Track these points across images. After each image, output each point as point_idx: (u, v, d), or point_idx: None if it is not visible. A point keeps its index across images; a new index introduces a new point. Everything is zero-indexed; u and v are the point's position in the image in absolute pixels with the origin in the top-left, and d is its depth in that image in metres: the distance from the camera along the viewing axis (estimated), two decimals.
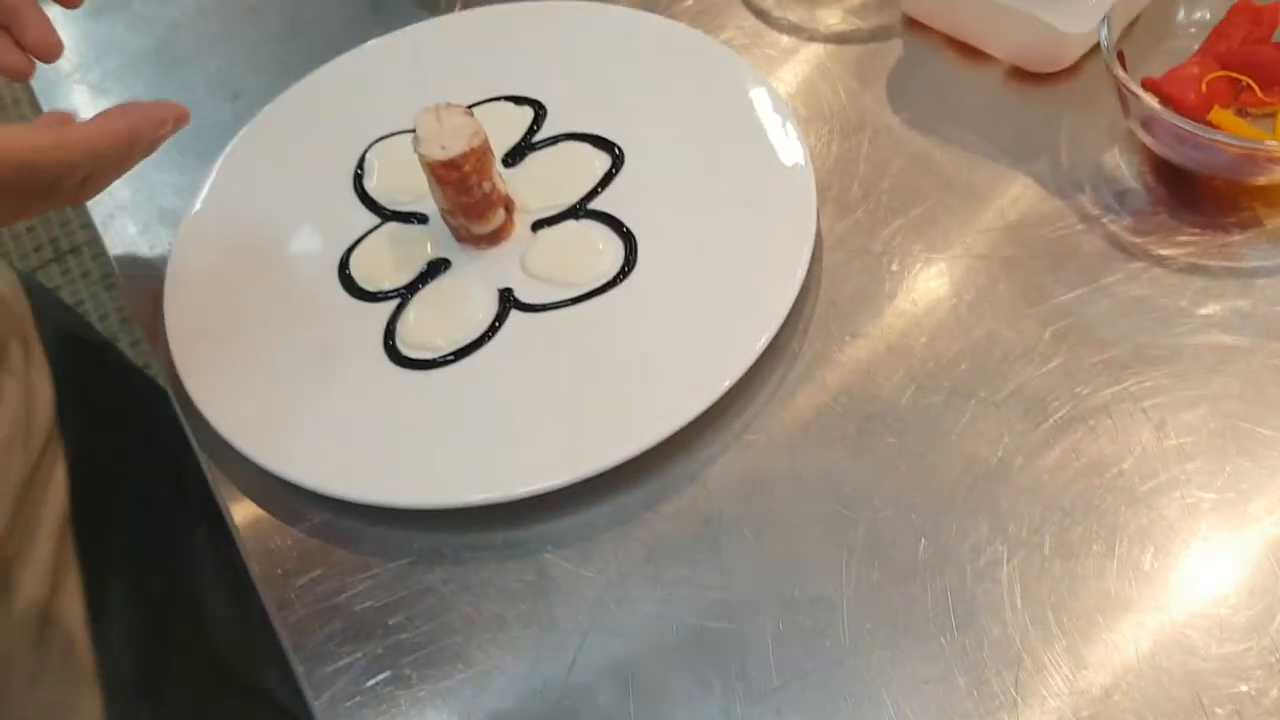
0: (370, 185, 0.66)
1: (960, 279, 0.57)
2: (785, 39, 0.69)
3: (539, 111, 0.67)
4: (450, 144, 0.57)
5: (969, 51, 0.65)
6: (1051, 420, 0.52)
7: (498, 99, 0.67)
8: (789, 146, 0.61)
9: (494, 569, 0.53)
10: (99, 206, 0.70)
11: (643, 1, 0.72)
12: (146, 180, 0.71)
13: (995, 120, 0.63)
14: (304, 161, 0.68)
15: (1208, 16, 0.62)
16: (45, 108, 0.78)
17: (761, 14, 0.70)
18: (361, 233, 0.64)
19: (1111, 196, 0.59)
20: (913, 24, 0.67)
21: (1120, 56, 0.56)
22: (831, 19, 0.69)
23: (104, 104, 0.76)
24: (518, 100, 0.67)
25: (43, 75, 0.76)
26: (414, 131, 0.63)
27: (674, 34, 0.68)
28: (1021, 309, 0.56)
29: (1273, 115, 0.59)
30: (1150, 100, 0.54)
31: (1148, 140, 0.58)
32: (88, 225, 1.96)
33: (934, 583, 0.49)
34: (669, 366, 0.55)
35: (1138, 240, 0.57)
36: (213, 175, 0.67)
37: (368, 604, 0.52)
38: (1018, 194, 0.60)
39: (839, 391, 0.55)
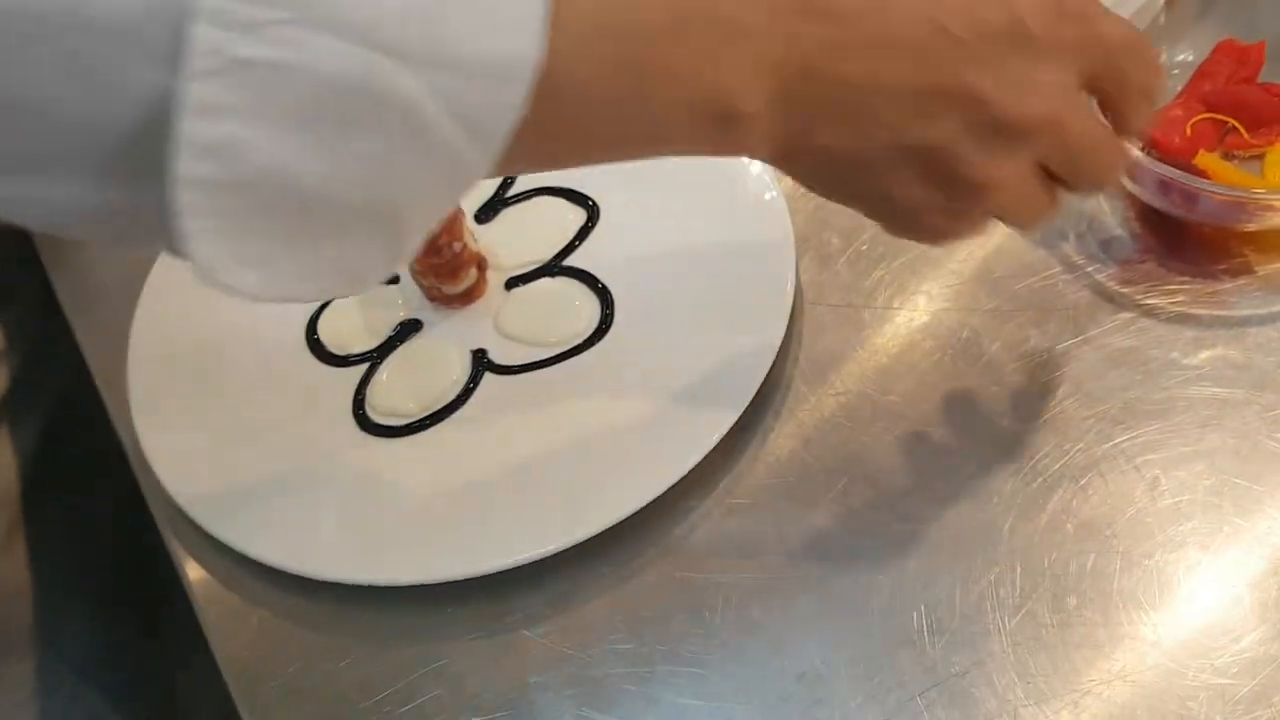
0: None
1: (944, 332, 0.56)
2: None
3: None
4: None
5: None
6: (1041, 479, 0.50)
7: None
8: (765, 200, 0.59)
9: (469, 647, 0.51)
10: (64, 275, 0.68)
11: None
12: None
13: None
14: None
15: (1190, 58, 0.61)
16: None
17: None
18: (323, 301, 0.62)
19: (1096, 245, 0.57)
20: None
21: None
22: None
23: None
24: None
25: None
26: None
27: None
28: (1006, 362, 0.54)
29: (1260, 157, 0.58)
30: (1133, 146, 0.53)
31: (1132, 187, 0.56)
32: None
33: (925, 655, 0.47)
34: (648, 430, 0.54)
35: (1125, 290, 0.56)
36: None
37: (339, 687, 0.50)
38: (1000, 244, 0.58)
39: (823, 451, 0.53)
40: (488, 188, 0.64)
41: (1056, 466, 0.51)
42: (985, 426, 0.53)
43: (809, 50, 0.37)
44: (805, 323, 0.57)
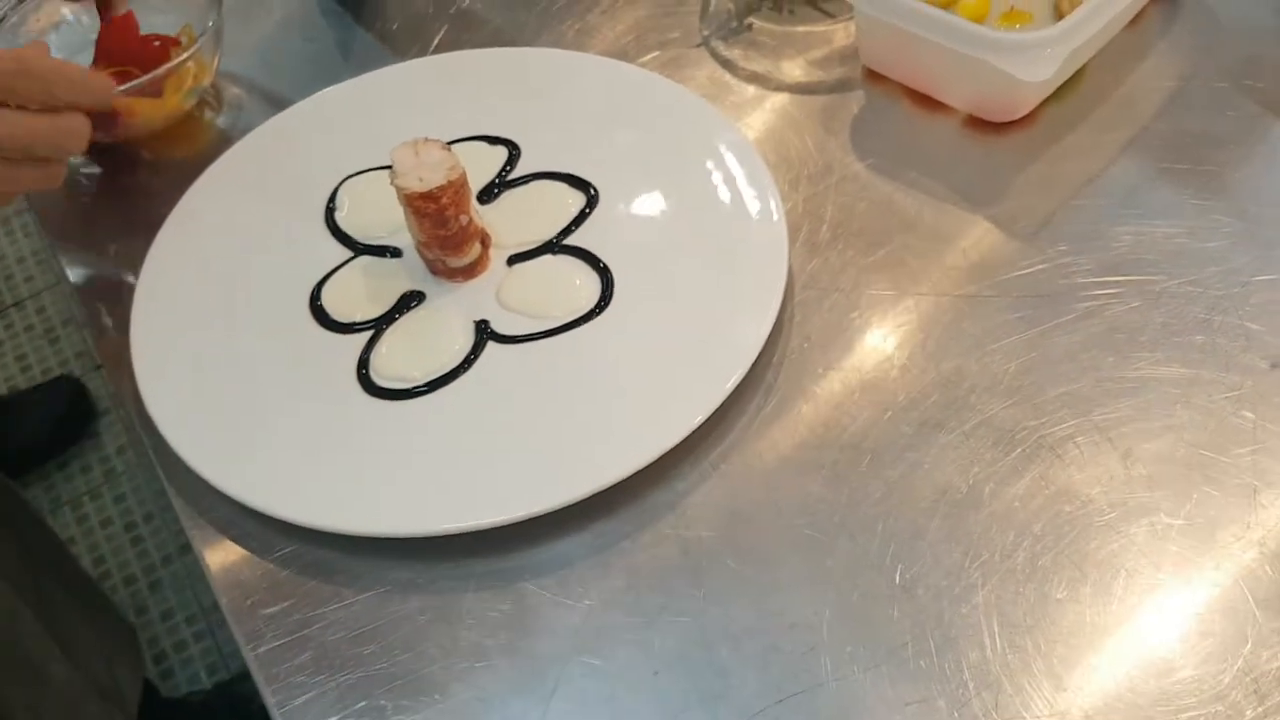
0: (342, 219, 0.66)
1: (927, 316, 0.59)
2: (751, 89, 0.71)
3: (513, 151, 0.68)
4: (428, 176, 0.58)
5: (928, 102, 0.67)
6: (1020, 449, 0.53)
7: (472, 138, 0.68)
8: (760, 188, 0.62)
9: (471, 599, 0.52)
10: (68, 239, 0.69)
11: (612, 52, 0.74)
12: (112, 211, 0.70)
13: (955, 167, 0.65)
14: (273, 196, 0.68)
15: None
16: None
17: (727, 64, 0.72)
18: (333, 266, 0.64)
19: (1070, 238, 0.61)
20: (873, 75, 0.69)
21: None
22: (795, 71, 0.71)
23: None
24: (492, 140, 0.68)
25: None
26: (390, 166, 0.64)
27: (644, 81, 0.70)
28: (986, 344, 0.57)
29: None
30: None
31: None
32: (31, 279, 1.94)
33: (912, 608, 0.49)
34: (646, 398, 0.56)
35: (1097, 279, 0.59)
36: (178, 208, 0.67)
37: (340, 634, 0.52)
38: (979, 236, 0.61)
39: (814, 423, 0.56)
40: (489, 171, 0.66)
41: (1034, 438, 0.54)
42: (966, 401, 0.55)
43: None
44: (796, 305, 0.60)
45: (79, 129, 0.56)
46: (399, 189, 0.58)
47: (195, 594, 1.52)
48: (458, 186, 0.58)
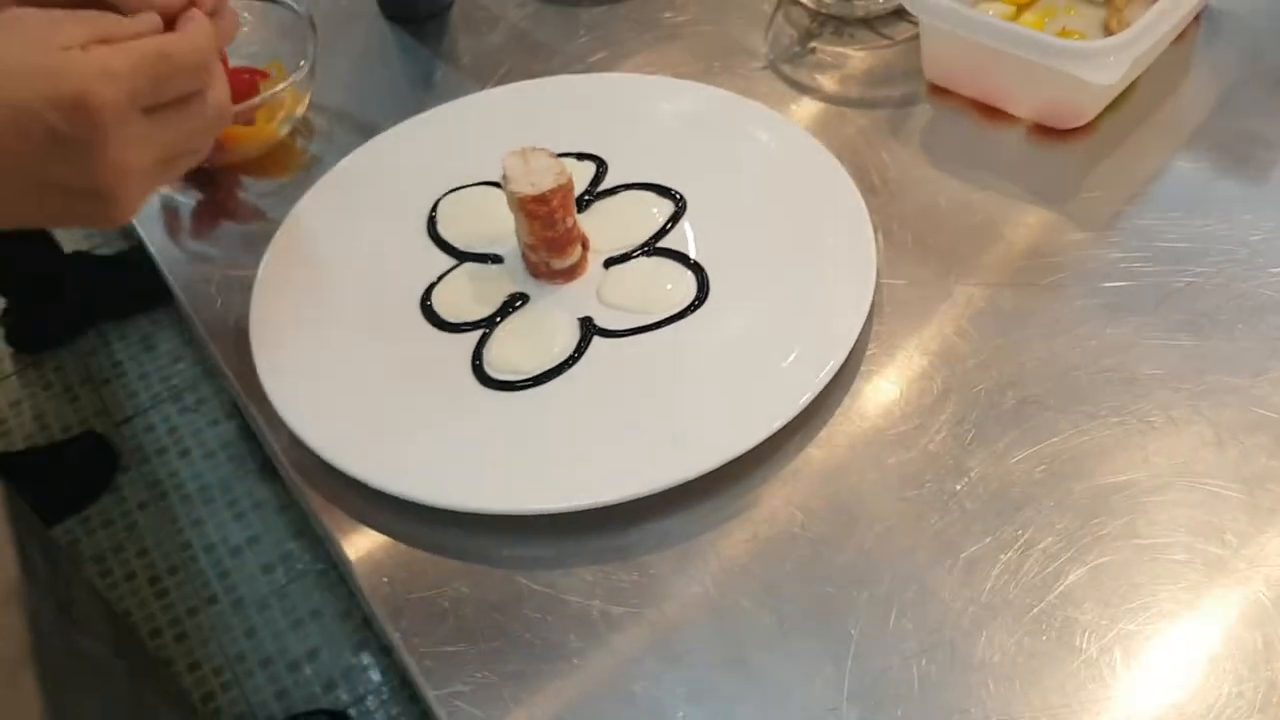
0: (445, 230, 0.69)
1: (1010, 305, 0.62)
2: (819, 105, 0.75)
3: (600, 166, 0.71)
4: (539, 181, 0.61)
5: (992, 112, 0.71)
6: (1118, 421, 0.57)
7: (561, 155, 0.72)
8: (840, 188, 0.66)
9: (597, 571, 0.55)
10: (174, 261, 0.72)
11: (678, 76, 0.78)
12: (215, 231, 0.73)
13: (1025, 170, 0.69)
14: (375, 213, 0.71)
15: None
16: None
17: (793, 84, 0.76)
18: (437, 274, 0.67)
19: (1141, 232, 0.65)
20: (936, 90, 0.74)
21: None
22: (860, 89, 0.75)
23: None
24: (580, 156, 0.72)
25: None
26: (486, 182, 0.67)
27: (718, 98, 0.74)
28: (1074, 329, 0.60)
29: None
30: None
31: None
32: None
33: (1024, 575, 0.52)
34: (750, 383, 0.59)
35: (1169, 267, 0.63)
36: (284, 227, 0.70)
37: (476, 607, 0.54)
38: (1055, 231, 0.65)
39: (909, 403, 0.59)
40: (580, 183, 0.70)
41: (1129, 412, 0.57)
42: (1063, 381, 0.59)
43: None
44: (884, 294, 0.63)
45: (226, 110, 0.53)
46: (511, 194, 0.61)
47: (221, 645, 1.52)
48: (566, 190, 0.62)
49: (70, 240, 1.90)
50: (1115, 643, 0.49)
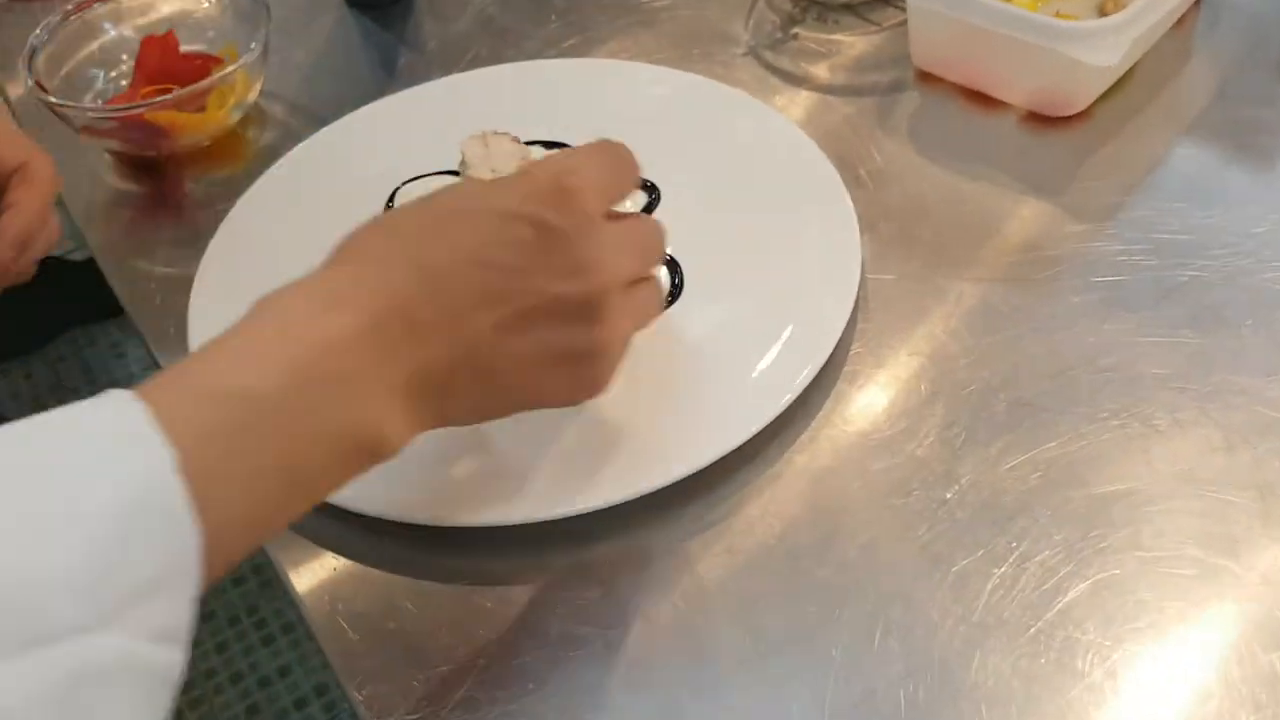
0: None
1: (1003, 299, 0.58)
2: (802, 93, 0.71)
3: None
4: (500, 168, 0.57)
5: (984, 100, 0.68)
6: (1118, 424, 0.53)
7: (528, 143, 0.68)
8: (824, 178, 0.62)
9: (558, 588, 0.50)
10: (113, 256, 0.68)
11: (654, 62, 0.74)
12: (158, 227, 0.69)
13: (1018, 159, 0.65)
14: (327, 205, 0.66)
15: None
16: None
17: (776, 71, 0.72)
18: None
19: (1139, 223, 0.61)
20: (925, 77, 0.70)
21: None
22: (845, 76, 0.71)
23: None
24: (548, 144, 0.68)
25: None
26: (448, 171, 0.63)
27: (694, 84, 0.70)
28: (1072, 325, 0.57)
29: None
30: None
31: None
32: None
33: (1012, 580, 0.48)
34: (725, 384, 0.55)
35: (1170, 260, 0.59)
36: (228, 221, 0.66)
37: (426, 628, 0.49)
38: (1049, 222, 0.61)
39: (895, 404, 0.55)
40: None
41: (1130, 413, 0.53)
42: (1059, 381, 0.55)
43: (415, 361, 0.41)
44: (870, 290, 0.59)
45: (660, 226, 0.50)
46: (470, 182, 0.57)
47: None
48: None
49: None
50: (1120, 665, 0.45)
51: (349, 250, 0.44)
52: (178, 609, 0.34)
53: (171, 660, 0.34)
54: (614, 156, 0.48)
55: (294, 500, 0.39)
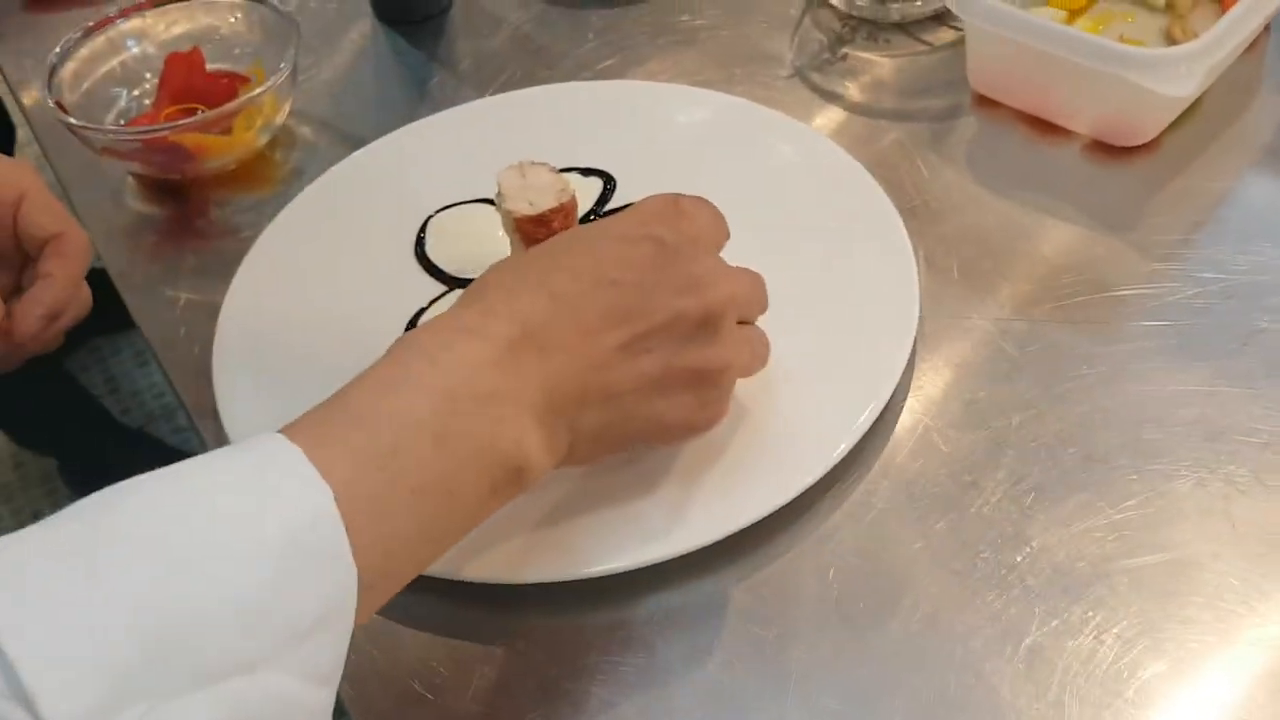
0: (434, 253, 0.62)
1: (1071, 340, 0.55)
2: (852, 118, 0.68)
3: (608, 183, 0.64)
4: (537, 200, 0.54)
5: (1046, 127, 0.64)
6: (1195, 476, 0.49)
7: (564, 170, 0.65)
8: (879, 211, 0.59)
9: (597, 652, 0.47)
10: (134, 283, 0.65)
11: (697, 84, 0.71)
12: (182, 253, 0.67)
13: (1083, 191, 0.62)
14: (358, 232, 0.64)
15: None
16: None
17: (824, 94, 0.69)
18: (425, 301, 0.60)
19: (1211, 262, 0.57)
20: (983, 101, 0.66)
21: None
22: (897, 99, 0.68)
23: None
24: (585, 171, 0.65)
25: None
26: (481, 199, 0.60)
27: (740, 109, 0.67)
28: (1143, 369, 0.53)
29: None
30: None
31: None
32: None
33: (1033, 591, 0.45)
34: (776, 432, 0.52)
35: (1245, 302, 0.55)
36: (257, 247, 0.63)
37: (460, 691, 0.46)
38: (1118, 259, 0.58)
39: (955, 451, 0.51)
40: (585, 203, 0.63)
41: (1208, 467, 0.50)
42: (1127, 428, 0.51)
43: (549, 383, 0.42)
44: (926, 330, 0.56)
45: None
46: (507, 214, 0.54)
47: None
48: (569, 210, 0.55)
49: None
50: None
51: (478, 289, 0.45)
52: (334, 648, 0.35)
53: (323, 701, 0.35)
54: (710, 206, 0.49)
55: (444, 527, 0.40)
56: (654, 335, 0.44)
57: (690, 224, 0.46)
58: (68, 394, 1.54)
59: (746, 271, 0.49)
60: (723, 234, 0.49)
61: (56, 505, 1.73)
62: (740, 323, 0.48)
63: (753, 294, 0.49)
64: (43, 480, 1.64)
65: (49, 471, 1.64)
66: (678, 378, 0.45)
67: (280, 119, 0.71)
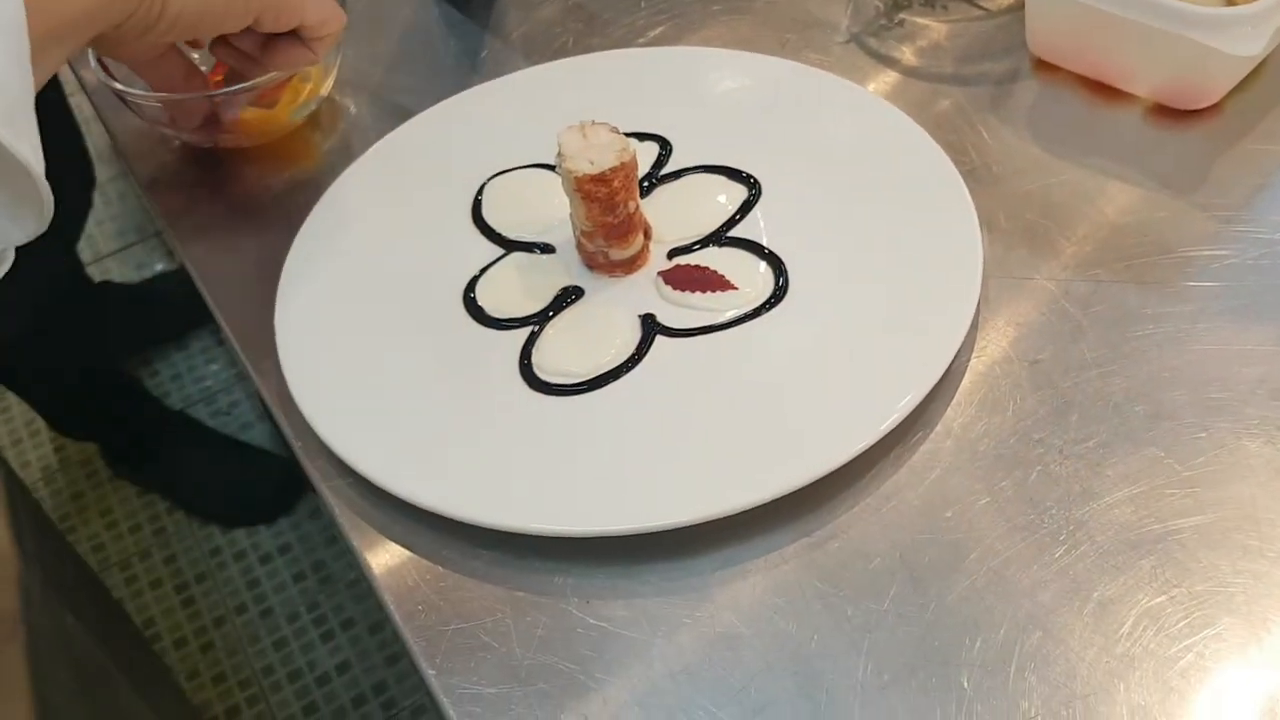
0: (491, 217, 0.62)
1: (1137, 302, 0.54)
2: (911, 82, 0.67)
3: (664, 147, 0.64)
4: (598, 159, 0.54)
5: (1106, 91, 0.63)
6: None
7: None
8: (941, 175, 0.58)
9: (658, 604, 0.47)
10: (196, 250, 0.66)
11: (752, 50, 0.70)
12: (239, 218, 0.67)
13: (1146, 153, 0.61)
14: (415, 197, 0.64)
15: None
16: None
17: (881, 59, 0.69)
18: (482, 264, 0.60)
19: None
20: (1042, 66, 0.66)
21: None
22: (955, 64, 0.67)
23: None
24: (641, 136, 0.64)
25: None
26: (539, 164, 0.60)
27: (797, 74, 0.66)
28: (1213, 329, 0.53)
29: None
30: None
31: None
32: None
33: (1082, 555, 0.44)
34: (835, 393, 0.51)
35: None
36: (314, 214, 0.63)
37: (523, 642, 0.47)
38: (1183, 221, 0.57)
39: (1020, 415, 0.51)
40: (641, 166, 0.63)
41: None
42: (1195, 387, 0.51)
43: None
44: (990, 292, 0.56)
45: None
46: (567, 173, 0.54)
47: (248, 657, 1.46)
48: (629, 169, 0.55)
49: (99, 271, 1.85)
50: (1276, 706, 0.41)
51: None
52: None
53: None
54: None
55: None
56: None
57: None
58: (110, 379, 1.55)
59: None
60: None
61: (98, 487, 1.75)
62: None
63: None
64: (83, 463, 1.66)
65: (90, 454, 1.65)
66: None
67: (326, 90, 0.71)
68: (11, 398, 1.71)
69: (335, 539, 1.54)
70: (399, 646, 1.43)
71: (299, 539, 1.55)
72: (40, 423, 1.70)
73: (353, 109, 0.73)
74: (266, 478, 1.58)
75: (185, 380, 1.76)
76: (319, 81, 0.70)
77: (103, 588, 0.88)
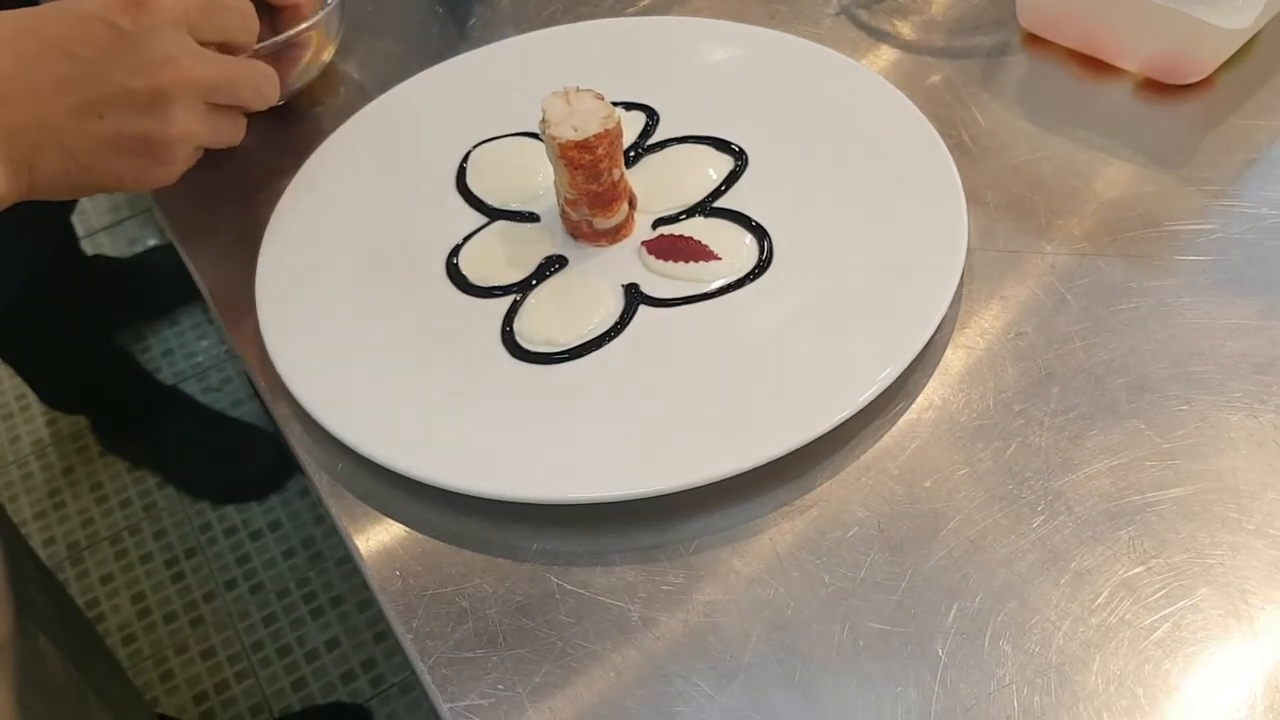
0: (476, 185, 0.62)
1: (1122, 277, 0.54)
2: (900, 55, 0.67)
3: (651, 117, 0.64)
4: (582, 126, 0.54)
5: (1096, 65, 0.63)
6: (1243, 412, 0.49)
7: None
8: (928, 146, 0.58)
9: (637, 571, 0.47)
10: (180, 215, 0.65)
11: (740, 20, 0.70)
12: (225, 185, 0.67)
13: (1135, 129, 0.61)
14: (400, 164, 0.64)
15: None
16: None
17: (871, 31, 0.68)
18: (466, 233, 0.60)
19: (1270, 200, 0.56)
20: (1032, 39, 0.66)
21: None
22: (946, 37, 0.67)
23: None
24: (629, 106, 0.64)
25: None
26: (523, 133, 0.60)
27: (785, 44, 0.66)
28: (1198, 304, 0.52)
29: None
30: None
31: None
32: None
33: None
34: (817, 363, 0.51)
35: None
36: (298, 178, 0.63)
37: (500, 608, 0.47)
38: (1171, 196, 0.57)
39: (1004, 386, 0.51)
40: (627, 136, 0.63)
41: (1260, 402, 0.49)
42: (1179, 361, 0.51)
43: (5, 131, 0.49)
44: (976, 264, 0.55)
45: (271, 74, 0.56)
46: (551, 139, 0.54)
47: (238, 632, 1.46)
48: (613, 137, 0.54)
49: (91, 245, 1.84)
50: (1252, 675, 0.41)
51: None
52: None
53: None
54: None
55: None
56: (103, 105, 0.50)
57: (149, 17, 0.51)
58: (102, 353, 1.55)
59: (223, 61, 0.54)
60: (213, 18, 0.53)
61: (88, 461, 1.74)
62: (226, 106, 0.55)
63: (221, 80, 0.53)
64: (74, 437, 1.65)
65: (81, 428, 1.65)
66: (128, 143, 0.51)
67: (329, 55, 0.70)
68: (2, 371, 1.71)
69: (325, 516, 1.54)
70: (387, 624, 1.44)
71: (289, 516, 1.55)
72: (31, 396, 1.70)
73: (345, 71, 0.73)
74: (257, 454, 1.57)
75: (176, 356, 1.76)
76: (324, 45, 0.70)
77: (70, 601, 0.88)
